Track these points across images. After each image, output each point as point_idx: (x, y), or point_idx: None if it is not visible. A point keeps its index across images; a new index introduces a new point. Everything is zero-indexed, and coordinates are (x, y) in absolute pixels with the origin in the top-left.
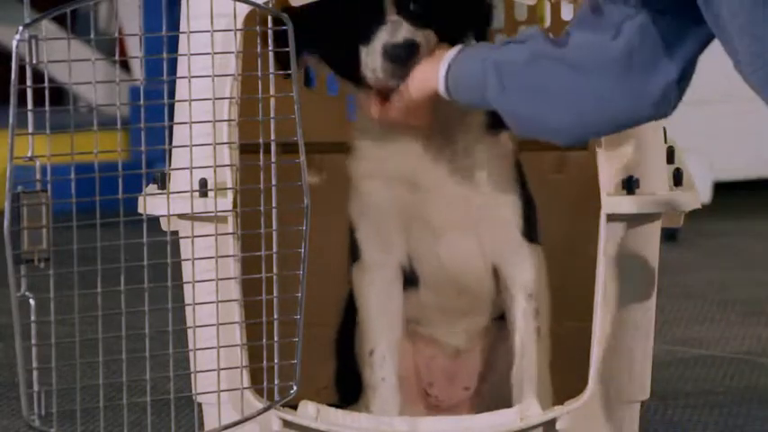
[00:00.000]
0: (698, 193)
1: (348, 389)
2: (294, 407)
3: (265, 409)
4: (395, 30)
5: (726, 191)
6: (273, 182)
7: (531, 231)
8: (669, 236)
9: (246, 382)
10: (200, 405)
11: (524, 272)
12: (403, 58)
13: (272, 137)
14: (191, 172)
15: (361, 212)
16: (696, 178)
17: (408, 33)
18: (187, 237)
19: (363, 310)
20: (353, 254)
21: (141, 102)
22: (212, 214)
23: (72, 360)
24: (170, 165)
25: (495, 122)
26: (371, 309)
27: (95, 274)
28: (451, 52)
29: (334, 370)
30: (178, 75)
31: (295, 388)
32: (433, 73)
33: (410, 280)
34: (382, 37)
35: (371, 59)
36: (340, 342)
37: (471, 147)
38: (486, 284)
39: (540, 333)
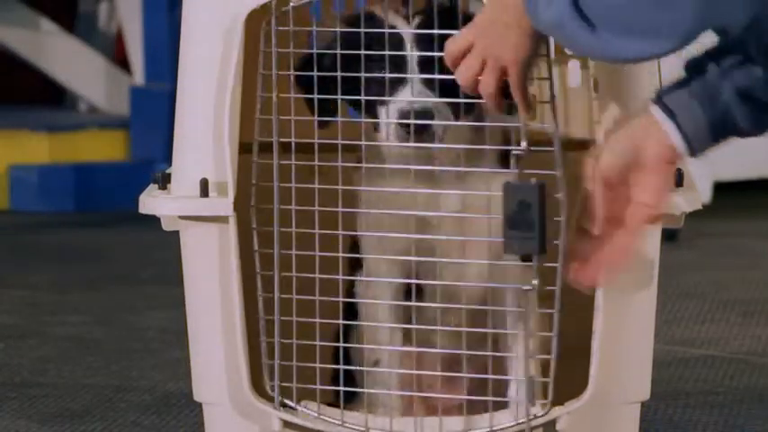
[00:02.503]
0: (699, 194)
1: (346, 388)
2: (294, 407)
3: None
4: (415, 95)
5: (726, 191)
6: (275, 182)
7: (527, 254)
8: (669, 236)
9: (247, 383)
10: (200, 405)
11: (521, 292)
12: (418, 127)
13: (275, 136)
14: (191, 172)
15: (368, 228)
16: (696, 178)
17: (425, 99)
18: (187, 237)
19: (370, 322)
20: (356, 261)
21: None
22: (216, 214)
23: (72, 358)
24: (171, 165)
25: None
26: (378, 321)
27: (96, 275)
28: None
29: (331, 370)
30: (179, 75)
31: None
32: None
33: (413, 291)
34: (400, 101)
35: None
36: (338, 339)
37: (483, 184)
38: (487, 304)
39: (534, 354)
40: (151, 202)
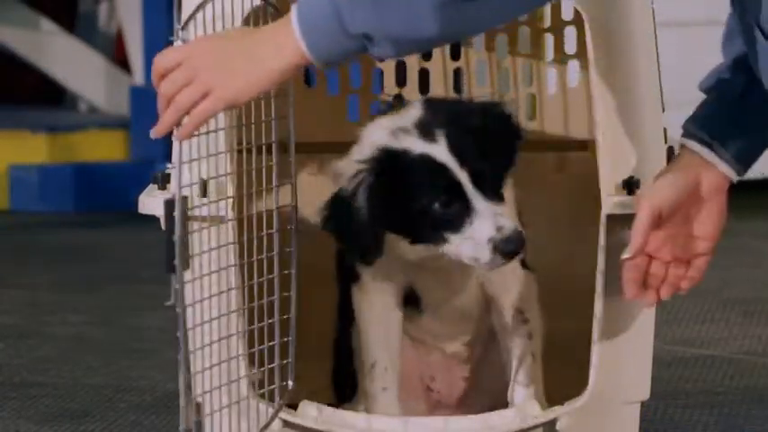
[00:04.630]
0: None
1: (344, 388)
2: (294, 407)
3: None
4: (498, 222)
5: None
6: (274, 182)
7: (524, 259)
8: None
9: (246, 384)
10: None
11: (520, 297)
12: (516, 251)
13: (274, 137)
14: (192, 171)
15: None
16: None
17: (510, 223)
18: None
19: (364, 329)
20: (352, 273)
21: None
22: (215, 215)
23: (72, 358)
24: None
25: None
26: (372, 327)
27: (96, 275)
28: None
29: (330, 369)
30: None
31: (292, 386)
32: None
33: (412, 300)
34: (484, 230)
35: (472, 250)
36: (336, 341)
37: None
38: (486, 310)
39: (534, 356)
40: (151, 202)
